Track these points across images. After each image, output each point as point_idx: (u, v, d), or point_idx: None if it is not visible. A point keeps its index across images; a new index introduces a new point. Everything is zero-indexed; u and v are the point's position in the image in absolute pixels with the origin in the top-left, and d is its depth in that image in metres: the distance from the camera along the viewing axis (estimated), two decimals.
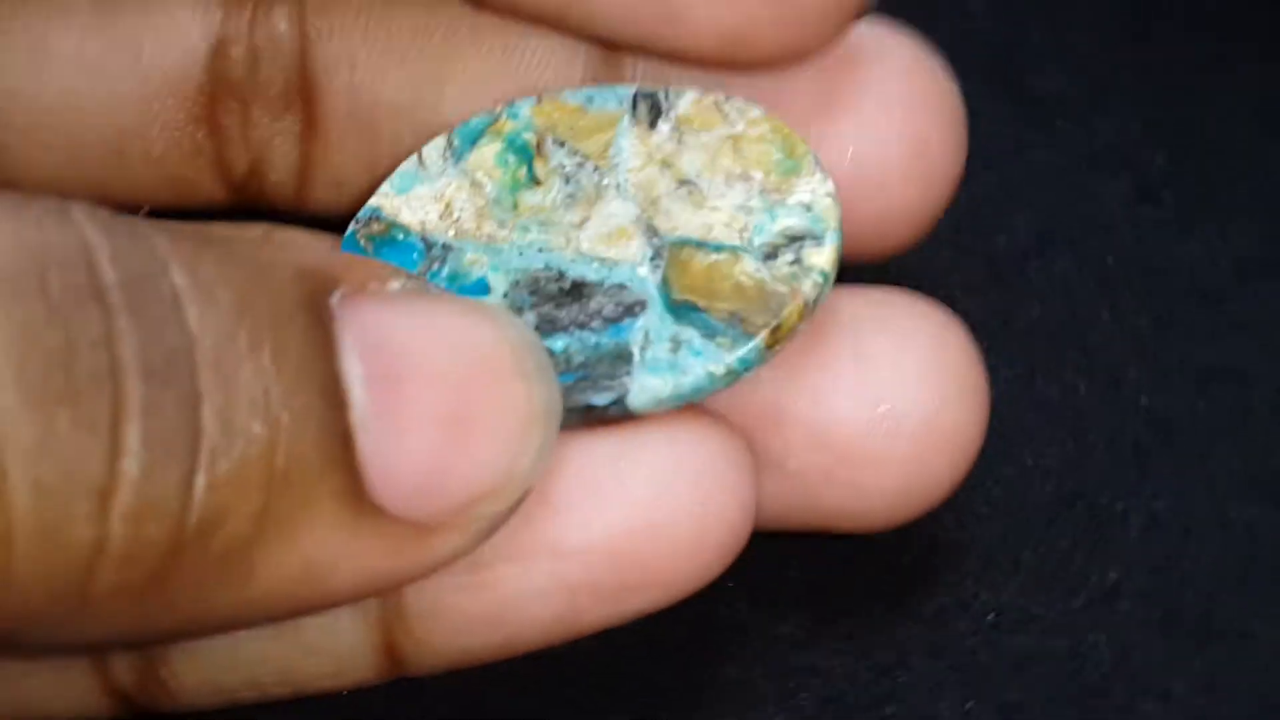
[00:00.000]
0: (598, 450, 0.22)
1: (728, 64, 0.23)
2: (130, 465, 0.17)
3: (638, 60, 0.24)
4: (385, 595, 0.21)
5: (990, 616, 0.25)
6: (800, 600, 0.25)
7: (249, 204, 0.26)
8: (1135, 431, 0.27)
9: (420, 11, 0.24)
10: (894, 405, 0.22)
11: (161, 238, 0.18)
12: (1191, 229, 0.29)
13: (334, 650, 0.22)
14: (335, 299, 0.19)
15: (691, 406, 0.22)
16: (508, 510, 0.20)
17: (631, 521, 0.21)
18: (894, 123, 0.23)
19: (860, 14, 0.23)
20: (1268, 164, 0.29)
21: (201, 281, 0.18)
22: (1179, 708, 0.25)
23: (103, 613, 0.18)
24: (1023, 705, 0.25)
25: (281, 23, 0.25)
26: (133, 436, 0.17)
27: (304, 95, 0.25)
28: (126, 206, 0.24)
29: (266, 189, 0.25)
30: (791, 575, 0.25)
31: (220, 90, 0.25)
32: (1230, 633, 0.25)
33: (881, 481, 0.23)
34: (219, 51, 0.25)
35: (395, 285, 0.20)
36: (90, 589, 0.17)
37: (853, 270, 0.23)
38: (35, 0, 0.25)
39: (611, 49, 0.24)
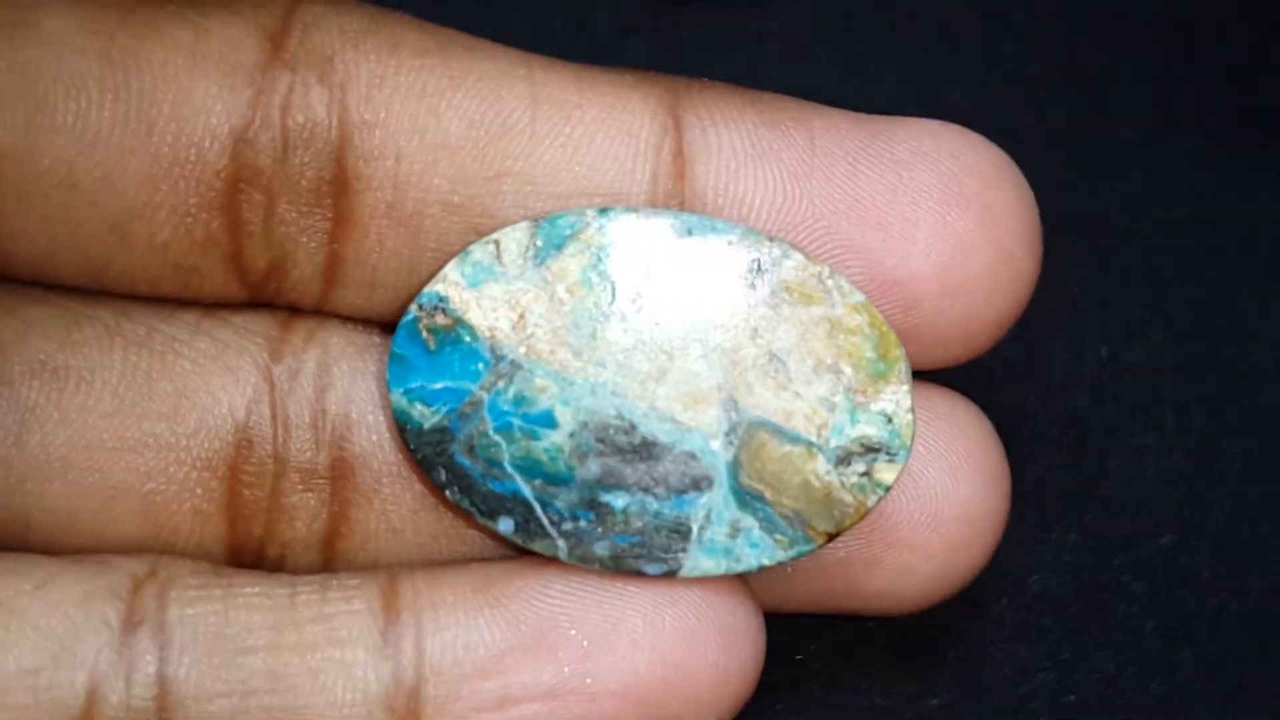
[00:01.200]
0: (633, 598, 0.22)
1: None
2: None
3: (709, 173, 0.22)
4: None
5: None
6: None
7: (265, 301, 0.23)
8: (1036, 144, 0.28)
9: (475, 101, 0.22)
10: (938, 497, 0.23)
11: None
12: None
13: None
14: None
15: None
16: None
17: (661, 667, 0.22)
18: (977, 227, 0.23)
19: None
20: None
21: None
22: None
23: None
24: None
25: (319, 107, 0.22)
26: None
27: (338, 188, 0.22)
28: (125, 293, 0.23)
29: (286, 288, 0.23)
30: None
31: (243, 178, 0.22)
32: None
33: (924, 566, 0.23)
34: (245, 136, 0.22)
35: None
36: None
37: None
38: (37, 58, 0.22)
39: (676, 100, 0.23)
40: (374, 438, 0.23)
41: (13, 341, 0.22)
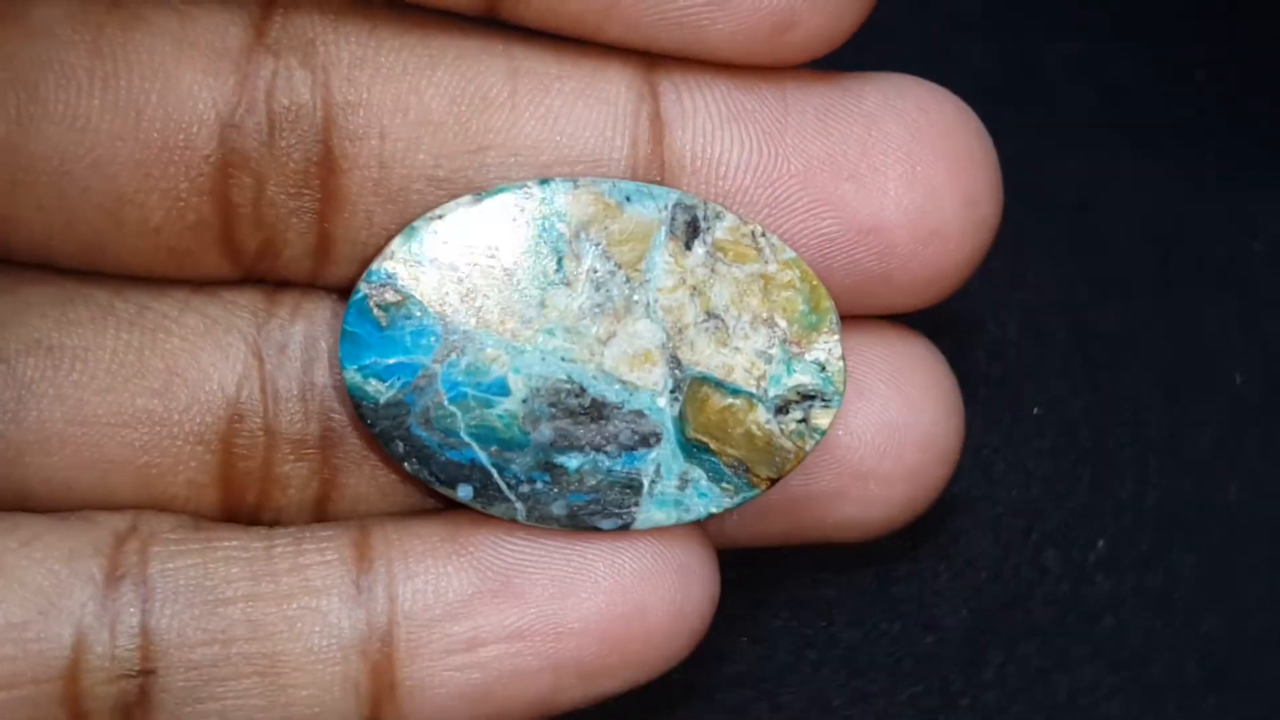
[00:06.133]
0: (593, 543, 0.23)
1: (771, 58, 0.23)
2: None
3: (686, 136, 0.23)
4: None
5: None
6: None
7: (258, 279, 0.24)
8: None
9: (455, 78, 0.23)
10: (900, 428, 0.24)
11: None
12: None
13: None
14: None
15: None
16: None
17: (621, 607, 0.23)
18: (946, 174, 0.23)
19: None
20: None
21: None
22: None
23: None
24: None
25: (303, 90, 0.23)
26: None
27: (325, 169, 0.23)
28: (123, 275, 0.23)
29: (279, 267, 0.23)
30: None
31: (231, 162, 0.23)
32: None
33: (887, 494, 0.24)
34: (231, 120, 0.22)
35: None
36: None
37: None
38: (28, 50, 0.22)
39: (652, 68, 0.23)
40: None
41: (10, 320, 0.23)
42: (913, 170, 0.23)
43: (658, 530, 0.23)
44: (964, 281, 0.24)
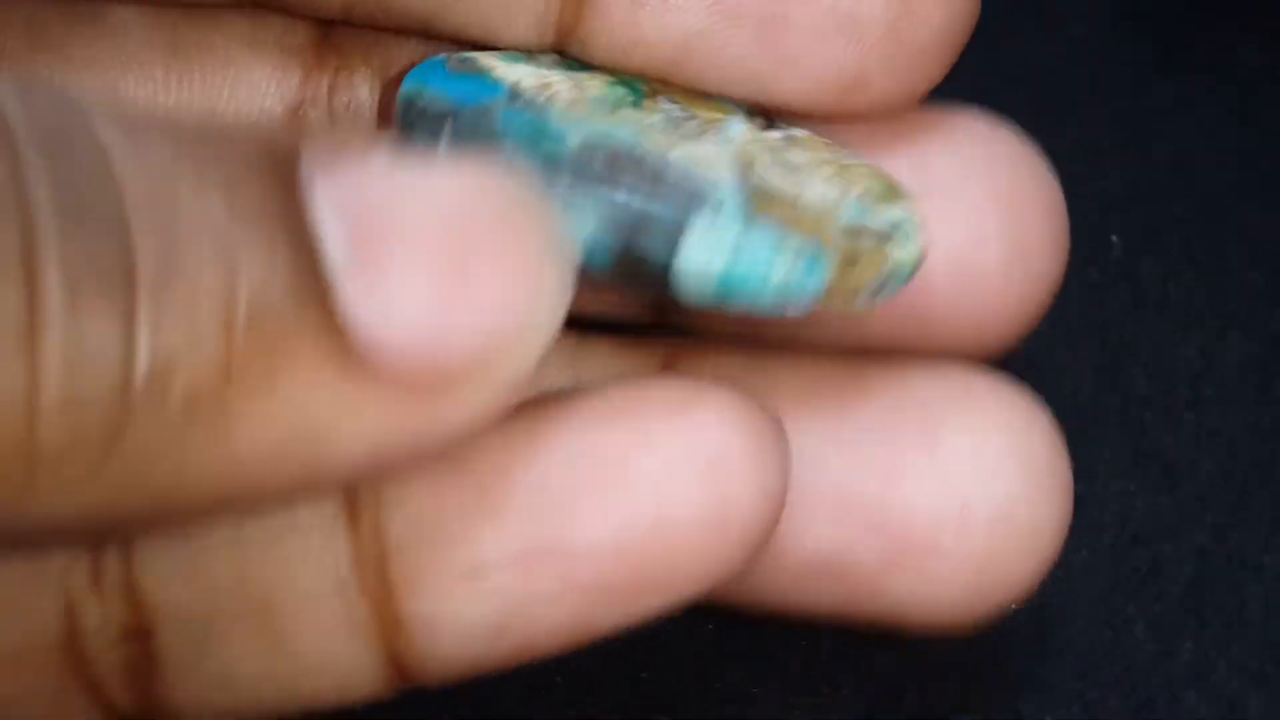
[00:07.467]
0: (604, 438, 0.20)
1: (839, 113, 0.22)
2: (52, 302, 0.16)
3: None
4: (409, 465, 0.19)
5: None
6: None
7: None
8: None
9: None
10: (968, 496, 0.21)
11: (88, 95, 0.17)
12: None
13: (333, 668, 0.20)
14: (304, 167, 0.17)
15: (710, 382, 0.21)
16: (527, 365, 0.18)
17: (643, 517, 0.20)
18: (996, 219, 0.22)
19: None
20: None
21: (134, 134, 0.17)
22: None
23: (53, 486, 0.16)
24: None
25: (363, 88, 0.24)
26: (50, 272, 0.16)
27: None
28: None
29: None
30: None
31: None
32: None
33: (950, 576, 0.21)
34: (295, 115, 0.24)
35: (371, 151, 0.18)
36: (33, 453, 0.16)
37: None
38: (111, 51, 0.24)
39: None
40: None
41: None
42: (958, 212, 0.22)
43: (685, 413, 0.20)
44: (1014, 336, 0.22)
